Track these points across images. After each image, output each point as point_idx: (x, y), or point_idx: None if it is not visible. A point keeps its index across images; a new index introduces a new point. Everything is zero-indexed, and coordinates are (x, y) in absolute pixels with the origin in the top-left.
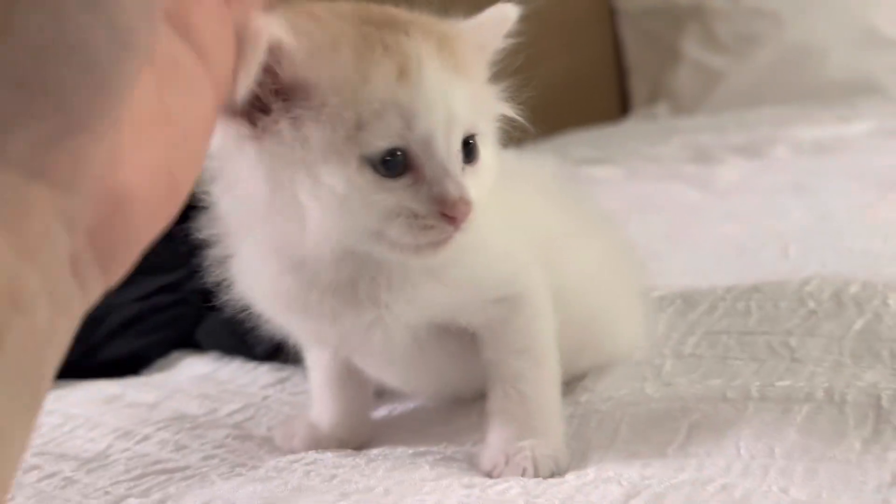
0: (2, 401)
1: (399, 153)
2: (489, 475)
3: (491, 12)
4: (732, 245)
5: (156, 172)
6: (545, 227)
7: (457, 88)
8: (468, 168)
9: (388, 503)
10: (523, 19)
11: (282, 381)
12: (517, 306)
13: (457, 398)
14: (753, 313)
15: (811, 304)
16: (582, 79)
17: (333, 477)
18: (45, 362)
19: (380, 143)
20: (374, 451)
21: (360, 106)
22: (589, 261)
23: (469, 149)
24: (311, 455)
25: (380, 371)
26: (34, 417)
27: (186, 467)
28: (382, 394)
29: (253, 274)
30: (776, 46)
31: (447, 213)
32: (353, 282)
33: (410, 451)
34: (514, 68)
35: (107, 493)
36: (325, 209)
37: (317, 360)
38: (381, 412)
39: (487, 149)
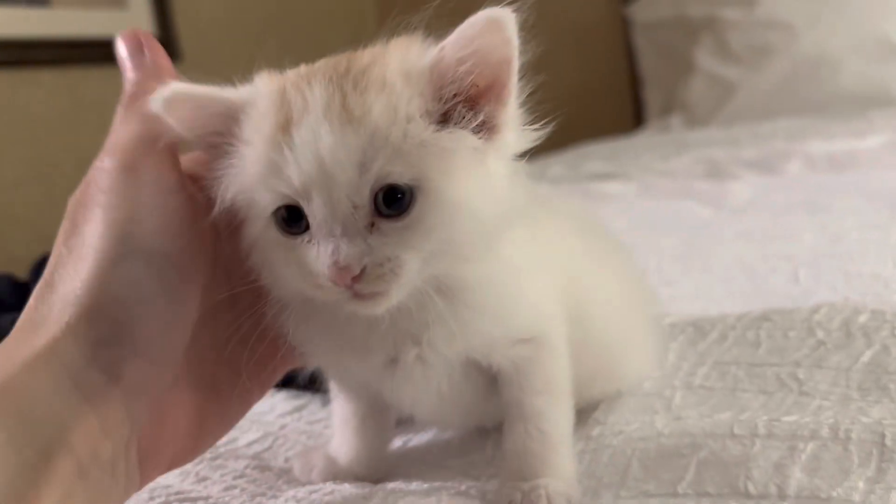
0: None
1: (294, 209)
2: None
3: (472, 21)
4: (743, 268)
5: (190, 415)
6: (568, 261)
7: (341, 142)
8: (386, 223)
9: None
10: (536, 30)
11: (298, 409)
12: (541, 347)
13: (477, 429)
14: (763, 343)
15: (820, 334)
16: (596, 90)
17: None
18: None
19: (266, 200)
20: (391, 486)
21: (255, 162)
22: (606, 291)
23: (391, 200)
24: (329, 486)
25: (411, 405)
26: None
27: (208, 497)
28: (399, 423)
29: (297, 314)
30: (790, 58)
31: (330, 278)
32: (392, 320)
33: (426, 485)
34: (527, 80)
35: None
36: (264, 264)
37: (342, 395)
38: (396, 443)
39: (434, 196)
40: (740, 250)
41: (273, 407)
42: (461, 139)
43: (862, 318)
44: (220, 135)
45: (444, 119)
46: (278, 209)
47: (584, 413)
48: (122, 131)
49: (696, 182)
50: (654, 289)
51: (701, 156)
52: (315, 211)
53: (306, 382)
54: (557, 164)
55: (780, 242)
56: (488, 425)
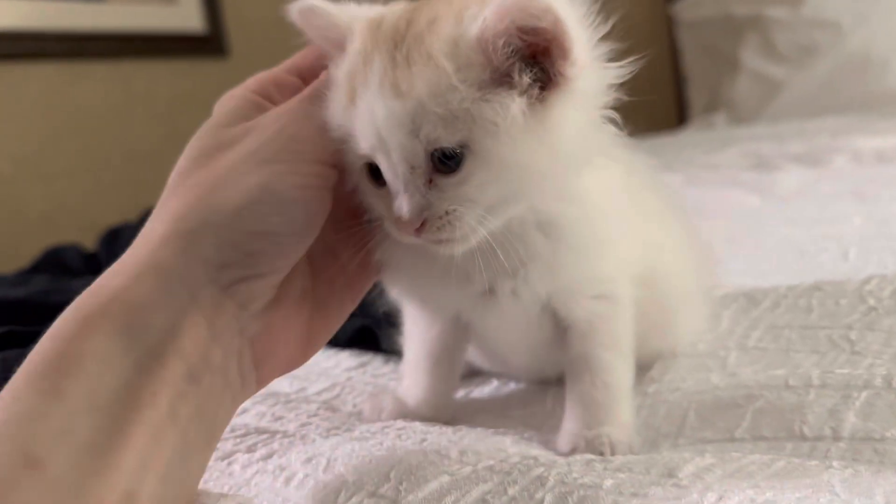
0: (193, 429)
1: (374, 164)
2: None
3: None
4: (792, 248)
5: (298, 321)
6: (643, 221)
7: (392, 114)
8: (443, 179)
9: (477, 460)
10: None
11: (363, 364)
12: (614, 305)
13: (537, 380)
14: (815, 309)
15: (871, 301)
16: (640, 88)
17: (423, 441)
18: (217, 419)
19: (353, 157)
20: (458, 427)
21: (338, 119)
22: (672, 251)
23: (446, 159)
24: (401, 422)
25: (494, 338)
26: (207, 458)
27: (286, 431)
28: (463, 376)
29: (401, 249)
30: (836, 56)
31: (397, 230)
32: (491, 254)
33: (490, 431)
34: (604, 19)
35: (216, 449)
36: (367, 203)
37: (418, 336)
38: (459, 394)
39: (481, 155)
40: (789, 233)
41: (339, 363)
42: (503, 105)
43: None
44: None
45: (504, 78)
46: (364, 165)
47: (640, 372)
48: (298, 109)
49: (742, 173)
50: (713, 255)
51: (746, 150)
52: (384, 171)
53: (370, 339)
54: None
55: (828, 226)
56: (548, 375)
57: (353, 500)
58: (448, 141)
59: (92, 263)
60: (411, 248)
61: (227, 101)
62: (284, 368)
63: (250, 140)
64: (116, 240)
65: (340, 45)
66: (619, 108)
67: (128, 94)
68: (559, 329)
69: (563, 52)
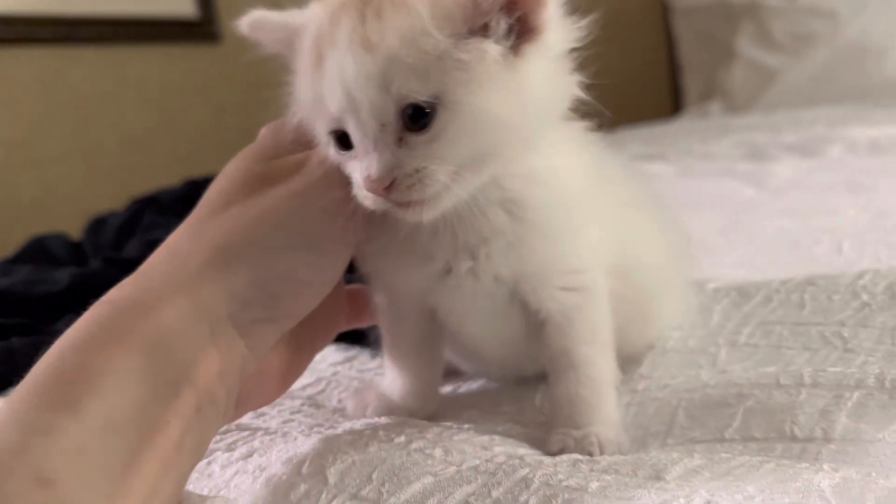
0: (192, 458)
1: (341, 130)
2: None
3: None
4: (786, 240)
5: (278, 366)
6: (615, 213)
7: (362, 69)
8: (413, 137)
9: (461, 460)
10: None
11: (349, 359)
12: (589, 297)
13: (516, 378)
14: (807, 305)
15: (864, 297)
16: (635, 76)
17: (408, 440)
18: (205, 450)
19: (319, 126)
20: (445, 424)
21: (304, 92)
22: (647, 242)
23: (417, 116)
24: (385, 420)
25: (458, 321)
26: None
27: (268, 428)
28: (449, 374)
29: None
30: (832, 45)
31: (366, 189)
32: (453, 230)
33: (477, 428)
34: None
35: None
36: None
37: (395, 328)
38: (446, 389)
39: (454, 108)
40: (783, 224)
41: (325, 357)
42: (481, 50)
43: None
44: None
45: (480, 29)
46: (331, 132)
47: (629, 369)
48: (329, 190)
49: (737, 164)
50: (691, 244)
51: (741, 139)
52: (352, 132)
53: (356, 334)
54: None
55: (823, 217)
56: (527, 373)
57: (335, 502)
58: (420, 93)
59: (77, 253)
60: (378, 225)
61: (277, 130)
62: (258, 405)
63: (298, 180)
64: (101, 229)
65: (294, 44)
66: (613, 95)
67: (120, 79)
68: (534, 323)
69: (539, 2)
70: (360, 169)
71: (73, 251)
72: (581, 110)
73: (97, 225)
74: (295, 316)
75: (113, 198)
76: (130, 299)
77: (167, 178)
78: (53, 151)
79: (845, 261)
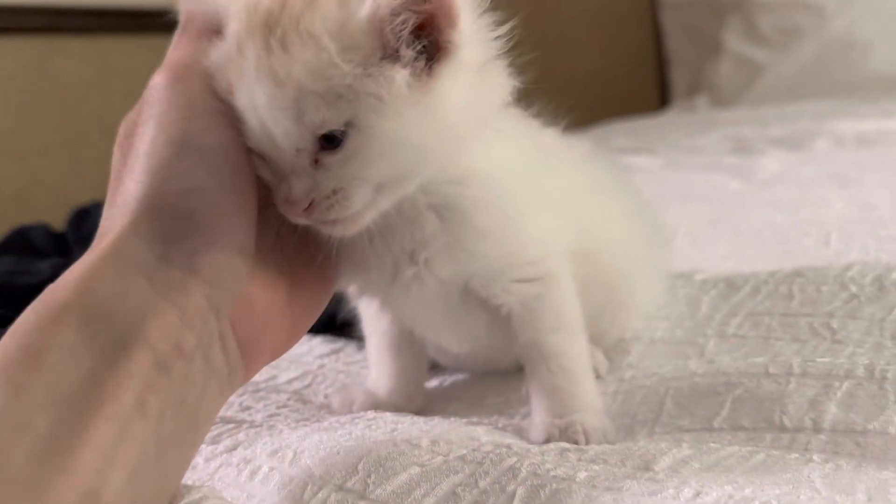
0: (168, 421)
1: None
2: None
3: None
4: (774, 232)
5: (277, 300)
6: (575, 196)
7: (272, 101)
8: (328, 157)
9: (448, 450)
10: (564, 10)
11: (335, 351)
12: (549, 285)
13: (496, 370)
14: (796, 296)
15: (853, 289)
16: (622, 70)
17: (394, 431)
18: (201, 410)
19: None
20: (431, 416)
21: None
22: (613, 226)
23: (330, 138)
24: (371, 413)
25: (413, 324)
26: (192, 452)
27: (254, 421)
28: (434, 367)
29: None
30: (819, 40)
31: (286, 213)
32: (389, 238)
33: (464, 420)
34: (554, 59)
35: None
36: None
37: (375, 327)
38: (433, 383)
39: (366, 132)
40: (771, 217)
41: (311, 349)
42: (389, 78)
43: (895, 275)
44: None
45: (390, 54)
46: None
47: (617, 358)
48: (172, 54)
49: (724, 157)
50: (665, 229)
51: (728, 133)
52: (267, 157)
53: (342, 325)
54: (583, 139)
55: (810, 210)
56: (502, 366)
57: (320, 494)
58: (334, 122)
59: (60, 244)
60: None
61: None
62: (270, 353)
63: (153, 111)
64: (85, 219)
65: (220, 31)
66: (600, 89)
67: (105, 70)
68: (498, 317)
69: (450, 21)
70: (280, 191)
71: (55, 242)
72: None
73: (80, 216)
74: (227, 230)
75: (97, 190)
76: (64, 279)
77: None
78: (37, 142)
79: (833, 253)
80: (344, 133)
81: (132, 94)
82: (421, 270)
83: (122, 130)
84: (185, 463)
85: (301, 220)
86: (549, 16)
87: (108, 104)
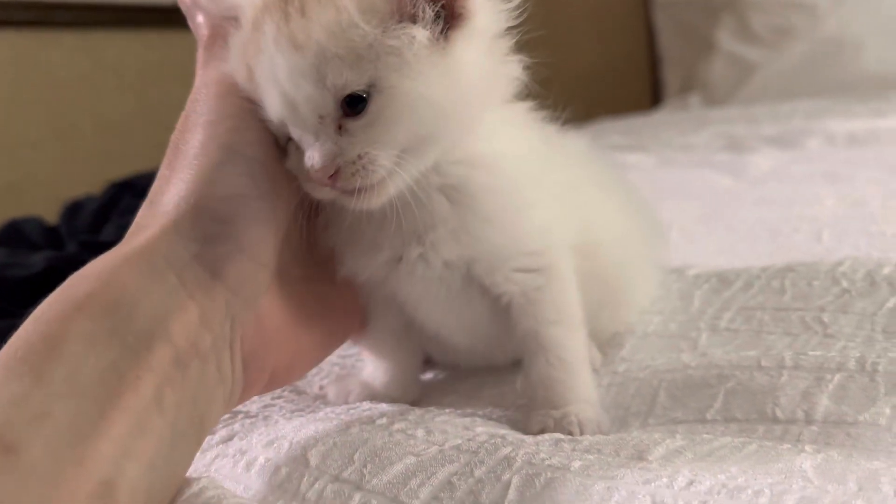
0: (183, 417)
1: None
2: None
3: None
4: (766, 229)
5: (289, 325)
6: (576, 191)
7: (293, 67)
8: (352, 123)
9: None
10: (557, 8)
11: None
12: (551, 276)
13: (491, 365)
14: (788, 291)
15: (844, 284)
16: (615, 68)
17: (390, 421)
18: (210, 411)
19: (265, 118)
20: (426, 407)
21: (243, 85)
22: (612, 221)
23: (355, 102)
24: (367, 404)
25: (415, 308)
26: (196, 446)
27: (248, 412)
28: (430, 360)
29: (327, 215)
30: (811, 39)
31: (312, 180)
32: (399, 219)
33: (459, 411)
34: (547, 56)
35: None
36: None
37: (373, 319)
38: (428, 375)
39: (389, 93)
40: (762, 213)
41: None
42: (409, 36)
43: (886, 270)
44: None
45: (407, 16)
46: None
47: (610, 352)
48: (210, 68)
49: (716, 155)
50: (660, 225)
51: (720, 131)
52: (292, 128)
53: None
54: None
55: (802, 206)
56: (498, 360)
57: (317, 485)
58: (356, 84)
59: (53, 237)
60: (338, 216)
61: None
62: (270, 377)
63: (201, 120)
64: (78, 213)
65: (237, 21)
66: (593, 87)
67: (97, 64)
68: (498, 307)
69: None
70: (304, 161)
71: (48, 235)
72: (557, 101)
73: (73, 209)
74: (259, 238)
75: (89, 183)
76: (89, 272)
77: (144, 163)
78: (29, 136)
79: (825, 249)
80: (367, 96)
81: (124, 87)
82: (427, 251)
83: (172, 139)
84: (190, 459)
85: (326, 193)
86: (543, 14)
87: (100, 98)
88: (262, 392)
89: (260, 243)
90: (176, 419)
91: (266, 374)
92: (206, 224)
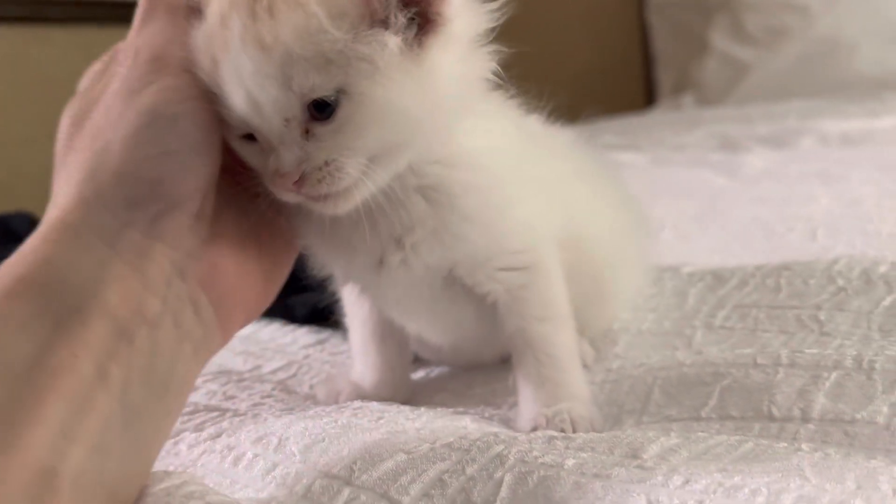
0: (136, 391)
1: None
2: None
3: None
4: (761, 227)
5: (244, 262)
6: (561, 185)
7: (259, 68)
8: (320, 128)
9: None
10: (551, 7)
11: (321, 342)
12: (536, 273)
13: (479, 363)
14: (783, 289)
15: (840, 282)
16: (609, 67)
17: (380, 419)
18: (174, 377)
19: (228, 117)
20: (417, 406)
21: (206, 80)
22: (599, 215)
23: (322, 107)
24: (357, 402)
25: (397, 312)
26: (167, 424)
27: (237, 410)
28: (419, 358)
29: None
30: (805, 40)
31: (276, 186)
32: (375, 221)
33: (450, 410)
34: (541, 56)
35: None
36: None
37: (357, 317)
38: (419, 373)
39: (358, 99)
40: (757, 212)
41: (296, 339)
42: (381, 42)
43: (882, 268)
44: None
45: (380, 22)
46: (241, 137)
47: (604, 349)
48: (145, 33)
49: (710, 154)
50: (648, 220)
51: (714, 131)
52: (256, 130)
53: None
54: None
55: (796, 205)
56: (485, 358)
57: (305, 481)
58: (324, 88)
59: None
60: (310, 214)
61: (87, 72)
62: (244, 314)
63: (114, 82)
64: None
65: (198, 12)
66: (587, 86)
67: (89, 60)
68: (484, 306)
69: None
70: (269, 164)
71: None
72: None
73: None
74: (192, 191)
75: None
76: (18, 257)
77: None
78: (20, 133)
79: (820, 247)
80: (335, 101)
81: None
82: (408, 256)
83: (70, 112)
84: (159, 436)
85: (291, 197)
86: (537, 13)
87: None
88: (242, 327)
89: (194, 195)
90: (125, 394)
91: (240, 313)
92: (132, 187)
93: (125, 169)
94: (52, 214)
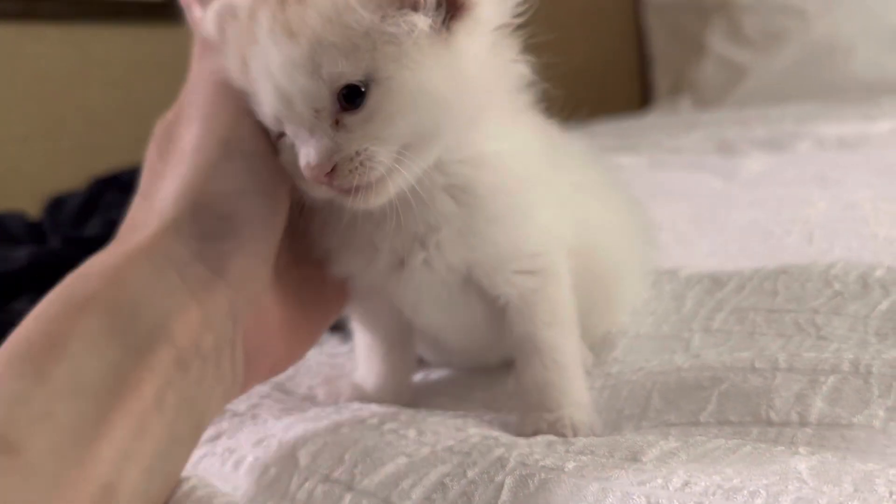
0: (181, 419)
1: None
2: None
3: None
4: (757, 230)
5: (288, 317)
6: (573, 193)
7: (287, 57)
8: (349, 118)
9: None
10: (548, 9)
11: (319, 343)
12: (547, 278)
13: (484, 366)
14: (780, 293)
15: (837, 286)
16: (605, 69)
17: (381, 421)
18: (207, 412)
19: (260, 113)
20: (418, 409)
21: (238, 82)
22: (605, 221)
23: (352, 96)
24: (357, 404)
25: (414, 313)
26: (192, 448)
27: (236, 411)
28: (420, 361)
29: (320, 217)
30: (802, 43)
31: (307, 178)
32: (400, 220)
33: (450, 413)
34: (537, 56)
35: None
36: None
37: (366, 322)
38: (418, 376)
39: (387, 84)
40: (754, 215)
41: None
42: (410, 23)
43: (878, 273)
44: None
45: (413, 6)
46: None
47: (603, 353)
48: (206, 60)
49: (707, 157)
50: (652, 227)
51: (710, 134)
52: (286, 123)
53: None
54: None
55: (793, 208)
56: (490, 361)
57: (307, 485)
58: (352, 74)
59: (36, 232)
60: (331, 218)
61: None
62: (269, 370)
63: (198, 113)
64: (60, 208)
65: (234, 12)
66: (583, 87)
67: (84, 58)
68: (495, 309)
69: None
70: (300, 157)
71: (31, 230)
72: (548, 101)
73: (56, 204)
74: (259, 234)
75: (76, 178)
76: (91, 267)
77: (131, 158)
78: (14, 131)
79: (817, 251)
80: (365, 89)
81: (110, 82)
82: (431, 255)
83: (158, 129)
84: (185, 462)
85: (323, 192)
86: (532, 14)
87: (87, 92)
88: (261, 382)
89: (261, 239)
90: (174, 421)
91: (267, 367)
92: (207, 221)
93: (200, 200)
94: (133, 235)
